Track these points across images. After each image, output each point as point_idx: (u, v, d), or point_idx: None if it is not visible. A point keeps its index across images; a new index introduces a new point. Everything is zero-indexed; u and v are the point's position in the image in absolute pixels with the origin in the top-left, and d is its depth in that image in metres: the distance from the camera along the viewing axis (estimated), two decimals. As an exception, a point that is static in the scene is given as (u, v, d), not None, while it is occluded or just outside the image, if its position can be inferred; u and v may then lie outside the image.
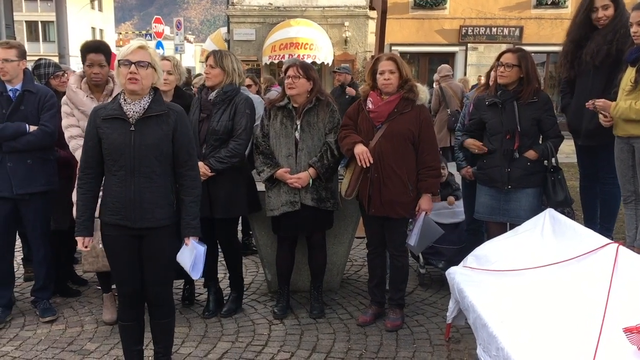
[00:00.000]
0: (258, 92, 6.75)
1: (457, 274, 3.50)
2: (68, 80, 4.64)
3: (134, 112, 2.84)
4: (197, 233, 2.99)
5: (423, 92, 3.83)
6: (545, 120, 3.89)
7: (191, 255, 2.99)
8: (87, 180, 2.93)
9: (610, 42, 4.07)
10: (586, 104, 3.90)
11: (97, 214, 2.99)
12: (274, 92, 7.65)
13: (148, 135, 2.83)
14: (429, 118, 3.92)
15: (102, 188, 2.96)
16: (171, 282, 3.20)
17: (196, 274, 3.05)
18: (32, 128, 3.95)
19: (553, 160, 3.88)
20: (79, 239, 2.97)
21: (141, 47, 2.84)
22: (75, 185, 2.99)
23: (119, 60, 2.81)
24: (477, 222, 4.44)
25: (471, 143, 4.10)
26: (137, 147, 2.81)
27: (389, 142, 3.75)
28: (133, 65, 2.77)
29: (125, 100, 2.87)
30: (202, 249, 3.01)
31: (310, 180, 3.89)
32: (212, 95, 3.94)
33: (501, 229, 3.97)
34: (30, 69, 4.44)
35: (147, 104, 2.86)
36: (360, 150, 3.74)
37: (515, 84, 3.90)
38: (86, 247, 2.99)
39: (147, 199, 2.85)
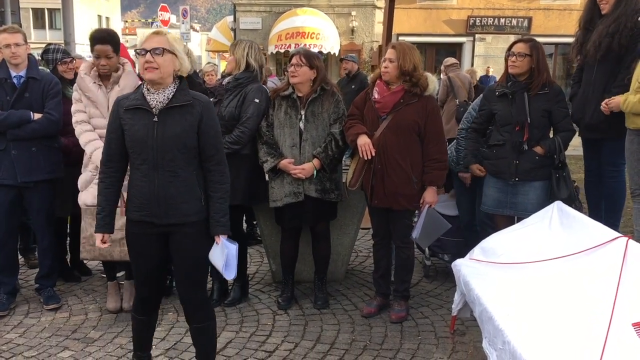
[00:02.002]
0: (264, 82, 6.68)
1: (463, 266, 3.47)
2: (76, 67, 4.65)
3: (157, 102, 2.69)
4: (226, 231, 2.81)
5: (432, 83, 3.77)
6: (556, 112, 3.81)
7: (222, 254, 2.80)
8: (109, 174, 2.77)
9: (612, 34, 3.94)
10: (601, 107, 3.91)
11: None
12: (271, 82, 7.61)
13: (171, 127, 2.66)
14: (436, 109, 3.85)
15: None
16: (204, 284, 2.99)
17: (230, 274, 2.85)
18: (37, 116, 3.92)
19: (561, 156, 3.82)
20: (97, 236, 2.83)
21: (157, 33, 2.71)
22: (98, 177, 2.86)
23: (136, 50, 2.71)
24: (472, 218, 4.46)
25: (476, 168, 4.05)
26: (159, 139, 2.65)
27: (393, 134, 3.70)
28: (148, 53, 2.64)
29: (148, 90, 2.72)
30: (233, 247, 2.83)
31: (315, 171, 3.86)
32: (225, 81, 4.05)
33: (508, 222, 3.93)
34: (36, 55, 4.42)
35: (172, 93, 2.71)
36: (363, 141, 3.70)
37: (527, 74, 3.82)
38: (105, 243, 2.84)
39: (171, 193, 2.68)
